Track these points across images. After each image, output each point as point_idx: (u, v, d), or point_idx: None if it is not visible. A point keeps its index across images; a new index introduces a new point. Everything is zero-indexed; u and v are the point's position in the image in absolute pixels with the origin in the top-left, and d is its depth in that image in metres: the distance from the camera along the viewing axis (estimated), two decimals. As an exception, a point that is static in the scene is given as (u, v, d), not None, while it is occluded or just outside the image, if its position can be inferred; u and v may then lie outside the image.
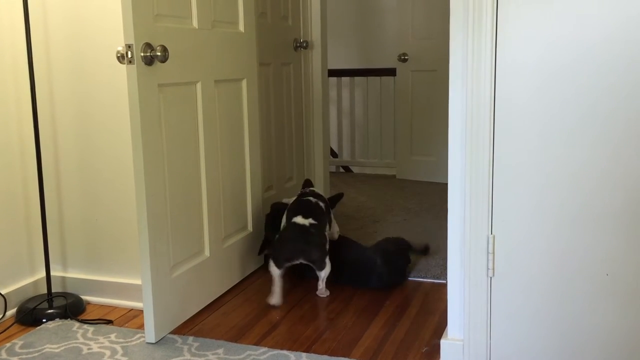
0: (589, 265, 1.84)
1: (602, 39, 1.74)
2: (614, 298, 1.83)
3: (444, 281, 2.73)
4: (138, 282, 2.53)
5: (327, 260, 2.65)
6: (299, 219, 2.65)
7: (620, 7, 1.71)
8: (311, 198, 2.82)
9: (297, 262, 2.62)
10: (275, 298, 2.60)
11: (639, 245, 1.78)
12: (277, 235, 2.74)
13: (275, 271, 2.60)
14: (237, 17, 2.76)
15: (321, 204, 2.81)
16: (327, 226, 2.78)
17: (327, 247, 2.67)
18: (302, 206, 2.76)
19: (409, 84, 4.99)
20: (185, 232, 2.45)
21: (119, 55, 2.13)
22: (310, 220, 2.65)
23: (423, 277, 2.88)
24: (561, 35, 1.77)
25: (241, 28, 2.79)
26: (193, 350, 2.23)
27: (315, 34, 3.77)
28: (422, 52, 4.88)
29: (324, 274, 2.66)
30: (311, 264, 2.63)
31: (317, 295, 2.69)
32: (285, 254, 2.61)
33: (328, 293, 2.70)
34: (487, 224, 1.93)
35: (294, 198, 2.91)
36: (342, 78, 5.69)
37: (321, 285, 2.69)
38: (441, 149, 4.75)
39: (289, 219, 2.71)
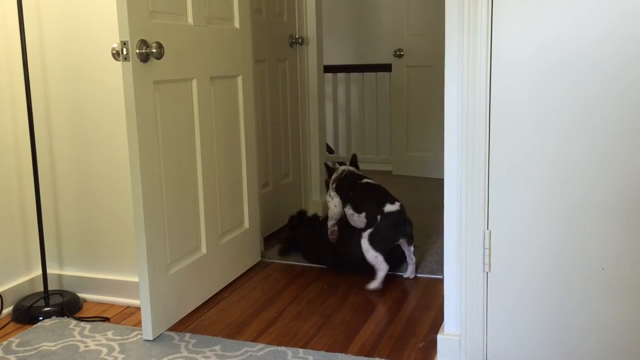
0: (585, 259, 1.85)
1: (597, 36, 1.74)
2: (610, 292, 1.83)
3: (441, 276, 2.74)
4: (135, 279, 2.53)
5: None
6: (389, 207, 2.79)
7: (616, 4, 1.71)
8: (373, 182, 2.98)
9: (397, 242, 2.81)
10: (378, 283, 2.74)
11: (634, 240, 1.79)
12: (374, 227, 2.78)
13: (379, 257, 2.72)
14: (232, 13, 2.76)
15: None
16: None
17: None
18: (382, 193, 2.89)
19: (405, 79, 4.99)
20: (181, 229, 2.45)
21: (114, 52, 2.12)
22: (398, 204, 2.81)
23: (420, 273, 2.89)
24: (557, 32, 1.77)
25: (236, 24, 2.79)
26: (190, 347, 2.23)
27: (310, 30, 3.76)
28: (418, 47, 4.88)
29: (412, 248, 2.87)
30: (406, 240, 2.82)
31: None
32: (389, 239, 2.76)
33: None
34: (483, 219, 1.93)
35: (344, 170, 3.06)
36: (338, 74, 5.68)
37: (411, 266, 2.87)
38: (437, 145, 4.76)
39: (378, 209, 2.78)
